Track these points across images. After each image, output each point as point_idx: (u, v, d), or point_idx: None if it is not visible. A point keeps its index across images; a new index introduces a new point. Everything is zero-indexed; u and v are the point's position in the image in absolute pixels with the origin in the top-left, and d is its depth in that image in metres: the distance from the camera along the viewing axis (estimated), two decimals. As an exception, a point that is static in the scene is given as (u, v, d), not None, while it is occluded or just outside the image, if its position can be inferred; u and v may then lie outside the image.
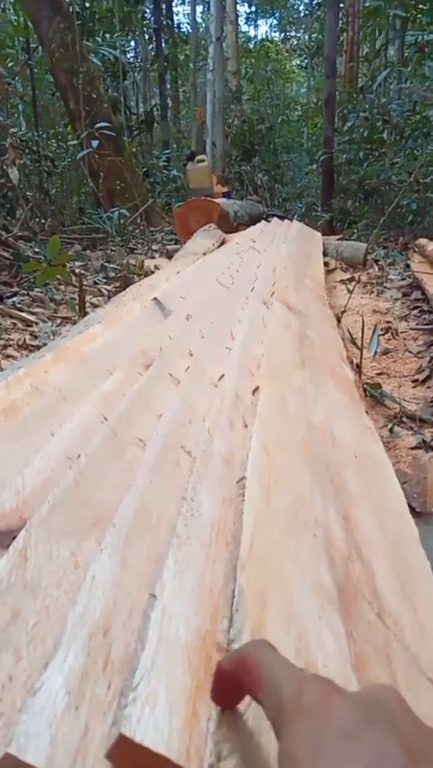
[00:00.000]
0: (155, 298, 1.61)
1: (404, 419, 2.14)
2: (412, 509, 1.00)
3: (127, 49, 12.17)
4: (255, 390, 0.99)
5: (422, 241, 4.22)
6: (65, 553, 0.53)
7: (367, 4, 7.79)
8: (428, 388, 2.41)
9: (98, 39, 6.96)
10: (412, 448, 1.81)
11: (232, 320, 1.48)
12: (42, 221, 4.70)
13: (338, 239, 5.04)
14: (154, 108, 10.20)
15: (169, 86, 13.70)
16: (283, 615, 0.48)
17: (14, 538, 0.55)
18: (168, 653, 0.41)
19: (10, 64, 6.24)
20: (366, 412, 1.21)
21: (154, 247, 5.10)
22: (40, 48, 6.46)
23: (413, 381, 2.48)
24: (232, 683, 0.37)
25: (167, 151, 8.46)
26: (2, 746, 0.35)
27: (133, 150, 7.07)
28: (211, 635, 0.45)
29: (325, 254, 4.05)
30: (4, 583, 0.46)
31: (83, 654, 0.41)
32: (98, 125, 4.79)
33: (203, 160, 5.82)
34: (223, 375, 1.04)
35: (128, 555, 0.53)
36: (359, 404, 1.22)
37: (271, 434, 0.81)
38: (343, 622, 0.50)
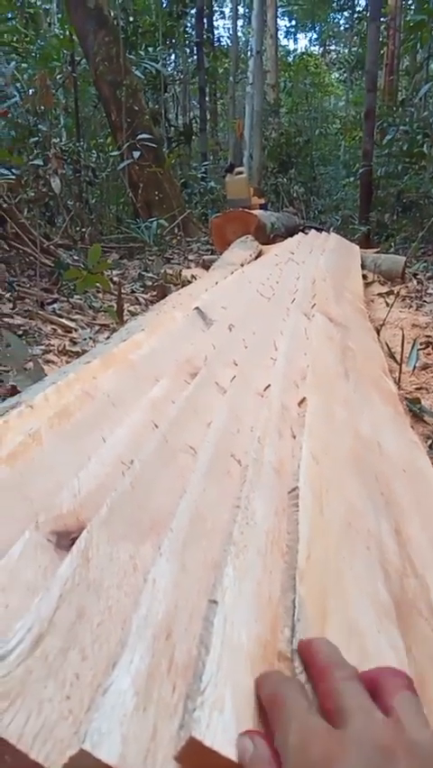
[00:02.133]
0: (197, 308, 1.62)
1: (444, 436, 2.10)
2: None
3: (168, 62, 12.38)
4: (301, 401, 0.99)
5: (462, 255, 4.16)
6: (124, 556, 0.54)
7: (409, 19, 7.77)
8: (469, 404, 2.36)
9: (141, 52, 7.09)
10: (453, 465, 1.78)
11: (274, 331, 1.49)
12: (82, 230, 4.79)
13: (376, 252, 5.01)
14: (193, 120, 10.33)
15: (207, 99, 13.86)
16: (344, 627, 0.48)
17: (73, 540, 0.56)
18: (232, 658, 0.41)
19: (58, 76, 6.40)
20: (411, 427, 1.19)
21: (191, 257, 5.14)
22: (83, 61, 6.62)
23: (453, 397, 2.44)
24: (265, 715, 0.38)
25: (205, 163, 8.53)
26: (74, 742, 0.36)
27: (172, 161, 7.16)
28: (272, 644, 0.45)
29: (362, 267, 4.03)
30: (69, 583, 0.47)
31: (148, 656, 0.42)
32: (140, 137, 4.87)
33: (242, 172, 5.86)
34: (269, 385, 1.04)
35: (186, 561, 0.53)
36: (404, 417, 1.21)
37: (320, 444, 0.81)
38: (401, 637, 0.50)
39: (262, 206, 6.07)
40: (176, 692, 0.40)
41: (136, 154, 4.83)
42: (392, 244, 6.10)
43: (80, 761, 0.34)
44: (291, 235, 4.64)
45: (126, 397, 0.95)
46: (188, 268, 4.51)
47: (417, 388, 2.52)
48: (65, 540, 0.57)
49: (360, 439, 0.94)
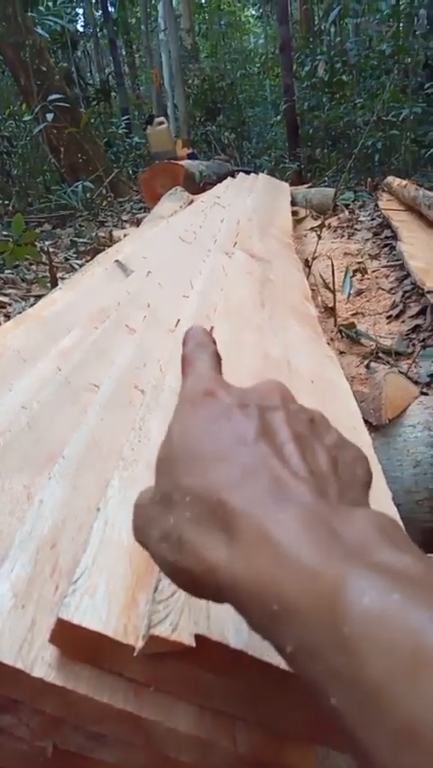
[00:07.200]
0: (117, 260, 1.61)
1: (381, 355, 2.17)
2: (370, 424, 1.03)
3: (76, 17, 11.79)
4: (211, 330, 1.01)
5: (390, 179, 4.19)
6: (18, 487, 0.56)
7: None
8: (402, 322, 2.43)
9: (41, 9, 6.74)
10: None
11: (193, 272, 1.49)
12: (5, 203, 4.64)
13: (307, 187, 5.00)
14: (110, 76, 9.94)
15: (124, 53, 13.31)
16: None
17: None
18: (109, 553, 0.44)
19: None
20: (328, 343, 1.23)
21: (124, 217, 5.04)
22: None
23: (387, 318, 2.51)
24: None
25: (125, 118, 8.27)
26: None
27: (92, 121, 6.92)
28: (153, 538, 0.48)
29: (294, 204, 4.02)
30: None
31: (30, 565, 0.44)
32: (51, 98, 4.68)
33: (162, 123, 5.71)
34: (179, 320, 1.06)
35: (78, 482, 0.55)
36: (320, 337, 1.24)
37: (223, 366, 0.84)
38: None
39: (191, 156, 5.96)
40: (58, 591, 0.43)
41: (50, 116, 4.64)
42: (325, 179, 6.09)
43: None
44: (222, 182, 4.58)
45: (38, 352, 0.96)
46: (122, 228, 4.43)
47: (353, 314, 2.57)
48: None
49: (269, 359, 0.97)
